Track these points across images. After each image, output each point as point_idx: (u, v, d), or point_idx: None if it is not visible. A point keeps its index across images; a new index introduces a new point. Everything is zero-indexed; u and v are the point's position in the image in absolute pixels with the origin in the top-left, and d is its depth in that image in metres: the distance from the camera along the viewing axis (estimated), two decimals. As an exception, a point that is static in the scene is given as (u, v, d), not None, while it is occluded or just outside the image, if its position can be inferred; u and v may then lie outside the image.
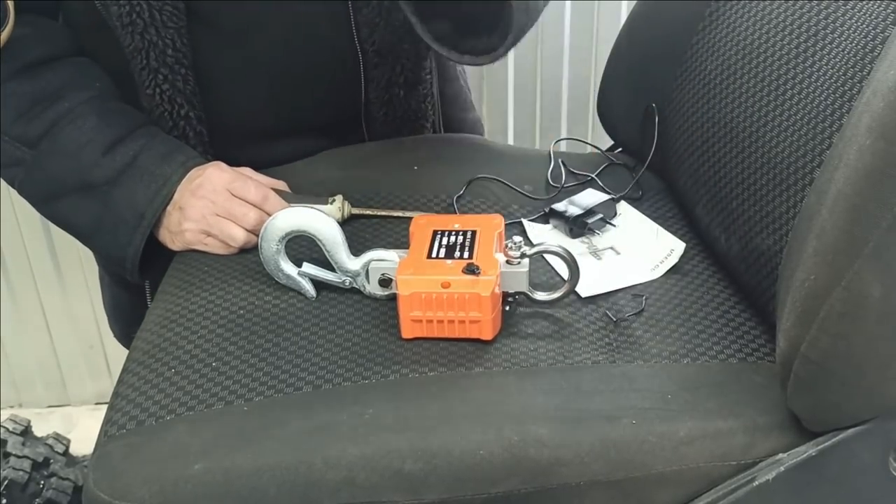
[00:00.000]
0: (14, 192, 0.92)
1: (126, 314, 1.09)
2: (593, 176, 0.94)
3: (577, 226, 0.85)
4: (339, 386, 0.67)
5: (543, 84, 1.43)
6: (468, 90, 1.16)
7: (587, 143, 1.07)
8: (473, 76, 1.27)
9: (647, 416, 0.64)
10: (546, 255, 0.79)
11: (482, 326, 0.70)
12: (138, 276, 0.89)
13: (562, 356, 0.70)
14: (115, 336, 1.16)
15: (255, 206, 0.86)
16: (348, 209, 0.89)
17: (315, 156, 0.99)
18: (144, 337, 0.75)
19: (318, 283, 0.78)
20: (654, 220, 0.88)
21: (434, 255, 0.73)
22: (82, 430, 1.56)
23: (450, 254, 0.73)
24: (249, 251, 0.85)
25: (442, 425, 0.63)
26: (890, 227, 0.54)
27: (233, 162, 0.91)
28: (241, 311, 0.76)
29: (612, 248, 0.84)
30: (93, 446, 0.66)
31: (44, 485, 1.13)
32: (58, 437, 1.22)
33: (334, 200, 0.88)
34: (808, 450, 0.63)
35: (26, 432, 1.17)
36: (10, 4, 0.82)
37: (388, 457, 0.61)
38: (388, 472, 0.61)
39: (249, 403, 0.66)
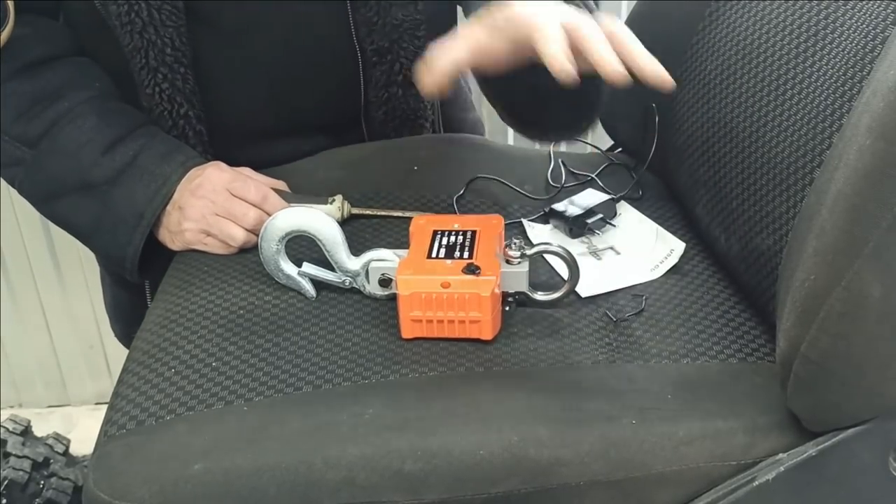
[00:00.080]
0: (14, 192, 0.92)
1: (126, 314, 1.09)
2: (593, 176, 0.94)
3: (577, 226, 0.85)
4: (339, 386, 0.67)
5: (543, 84, 1.43)
6: (468, 90, 1.16)
7: (587, 143, 1.07)
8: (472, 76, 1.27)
9: (647, 416, 0.64)
10: (546, 255, 0.79)
11: (482, 326, 0.70)
12: (138, 275, 0.89)
13: (562, 356, 0.70)
14: (117, 336, 1.16)
15: (254, 205, 0.86)
16: (348, 209, 0.89)
17: (315, 156, 0.99)
18: (144, 337, 0.75)
19: (318, 283, 0.78)
20: (654, 220, 0.88)
21: (434, 255, 0.73)
22: (82, 430, 1.57)
23: (450, 254, 0.73)
24: (249, 251, 0.85)
25: (442, 425, 0.63)
26: (890, 227, 0.54)
27: (232, 162, 0.91)
28: (241, 311, 0.76)
29: (612, 248, 0.84)
30: (93, 446, 0.66)
31: (44, 485, 1.13)
32: (58, 437, 1.22)
33: (334, 200, 0.88)
34: (808, 450, 0.63)
35: (26, 432, 1.17)
36: (10, 4, 0.82)
37: (388, 457, 0.61)
38: (388, 472, 0.61)
39: (249, 403, 0.66)
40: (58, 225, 0.92)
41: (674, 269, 0.80)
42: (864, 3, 0.67)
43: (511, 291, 0.74)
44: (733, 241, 0.78)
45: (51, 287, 1.56)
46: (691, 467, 0.63)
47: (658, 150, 0.92)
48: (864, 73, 0.64)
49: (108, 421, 0.67)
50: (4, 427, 1.15)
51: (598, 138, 1.08)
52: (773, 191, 0.71)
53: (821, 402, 0.62)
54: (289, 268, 0.78)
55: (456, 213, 0.89)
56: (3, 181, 0.92)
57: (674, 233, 0.86)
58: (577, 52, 0.62)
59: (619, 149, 1.05)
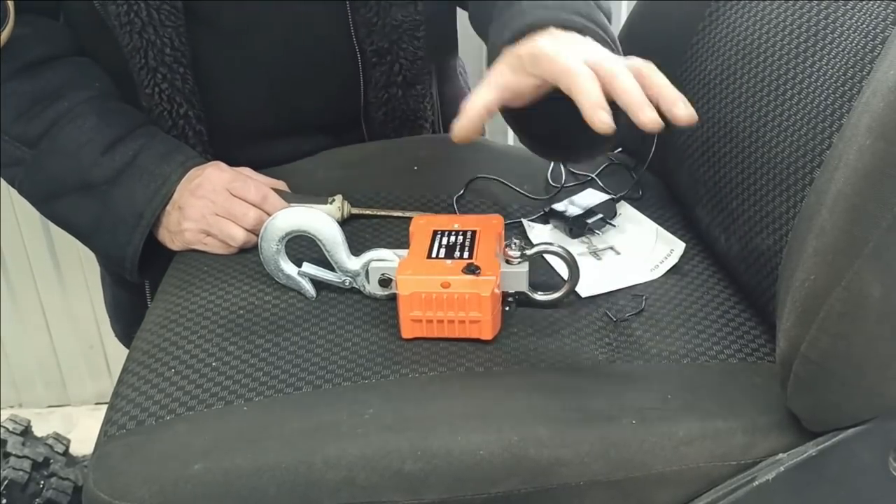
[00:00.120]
0: (14, 192, 0.92)
1: (126, 314, 1.09)
2: (593, 176, 0.94)
3: (577, 226, 0.85)
4: (339, 386, 0.67)
5: (543, 84, 1.43)
6: (468, 90, 1.16)
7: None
8: (473, 76, 1.27)
9: (647, 416, 0.64)
10: (546, 255, 0.79)
11: (482, 326, 0.70)
12: (138, 275, 0.89)
13: (562, 356, 0.70)
14: (117, 336, 1.16)
15: (254, 205, 0.86)
16: (348, 209, 0.89)
17: (315, 156, 0.99)
18: (144, 337, 0.75)
19: (318, 283, 0.78)
20: (654, 220, 0.88)
21: (434, 255, 0.73)
22: (82, 430, 1.56)
23: (450, 254, 0.73)
24: (249, 251, 0.85)
25: (442, 425, 0.63)
26: (890, 227, 0.54)
27: (232, 162, 0.91)
28: (241, 311, 0.76)
29: (612, 248, 0.84)
30: (93, 446, 0.66)
31: (44, 485, 1.13)
32: (58, 437, 1.22)
33: (334, 200, 0.88)
34: (808, 450, 0.63)
35: (26, 432, 1.17)
36: (10, 4, 0.82)
37: (388, 457, 0.61)
38: (388, 472, 0.61)
39: (249, 403, 0.66)
40: (58, 225, 0.92)
41: (674, 269, 0.80)
42: (864, 3, 0.67)
43: (511, 291, 0.74)
44: (733, 241, 0.78)
45: (51, 287, 1.56)
46: (691, 467, 0.63)
47: (658, 150, 0.92)
48: (864, 73, 0.64)
49: (108, 421, 0.67)
50: (4, 427, 1.15)
51: (598, 138, 1.08)
52: (773, 191, 0.71)
53: (821, 402, 0.62)
54: (289, 268, 0.78)
55: (456, 213, 0.89)
56: (3, 181, 0.92)
57: (674, 233, 0.86)
58: (607, 92, 0.63)
59: (619, 149, 1.05)
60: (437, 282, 0.70)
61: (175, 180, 0.86)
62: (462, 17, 1.03)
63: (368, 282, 0.76)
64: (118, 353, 1.38)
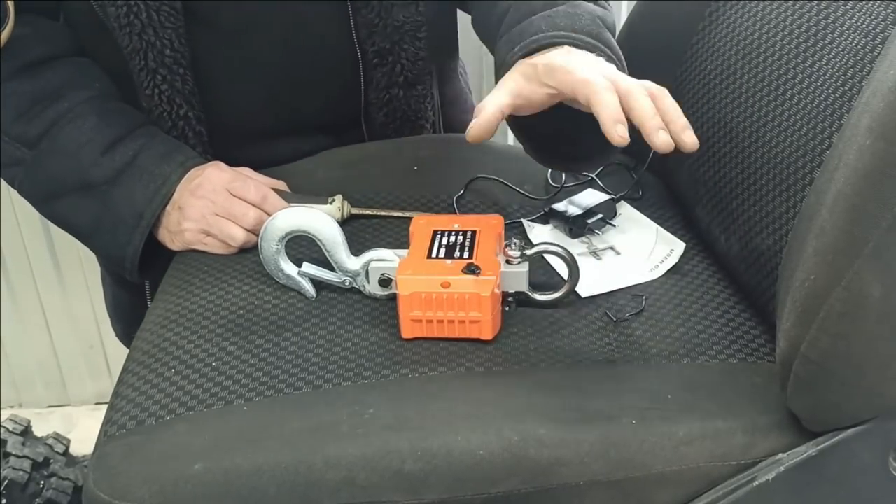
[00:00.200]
0: (14, 192, 0.92)
1: (127, 314, 1.09)
2: (593, 176, 0.94)
3: (577, 226, 0.85)
4: (339, 386, 0.67)
5: (543, 84, 1.43)
6: (468, 91, 1.16)
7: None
8: (473, 76, 1.27)
9: (647, 416, 0.64)
10: (546, 255, 0.79)
11: (482, 326, 0.70)
12: (138, 275, 0.89)
13: (562, 356, 0.70)
14: (117, 336, 1.16)
15: (254, 205, 0.86)
16: (348, 209, 0.89)
17: (315, 156, 0.99)
18: (144, 337, 0.75)
19: (318, 283, 0.78)
20: (654, 220, 0.88)
21: (434, 255, 0.73)
22: (82, 430, 1.56)
23: (450, 254, 0.73)
24: (249, 251, 0.85)
25: (442, 425, 0.63)
26: (890, 227, 0.54)
27: (232, 162, 0.91)
28: (241, 311, 0.76)
29: (612, 248, 0.84)
30: (93, 446, 0.66)
31: (44, 485, 1.13)
32: (58, 437, 1.22)
33: (334, 200, 0.88)
34: (808, 450, 0.63)
35: (26, 432, 1.17)
36: (10, 4, 0.82)
37: (388, 457, 0.61)
38: (388, 472, 0.61)
39: (249, 403, 0.66)
40: (58, 225, 0.92)
41: (674, 269, 0.80)
42: (864, 3, 0.67)
43: (511, 291, 0.74)
44: (733, 241, 0.78)
45: (51, 287, 1.56)
46: (691, 467, 0.63)
47: (658, 150, 0.92)
48: (864, 73, 0.64)
49: (108, 421, 0.67)
50: (4, 427, 1.15)
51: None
52: (773, 191, 0.71)
53: (821, 402, 0.62)
54: (289, 268, 0.78)
55: (456, 213, 0.89)
56: (3, 181, 0.92)
57: (674, 233, 0.86)
58: (622, 109, 0.65)
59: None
60: (437, 282, 0.70)
61: (175, 180, 0.86)
62: (461, 17, 1.03)
63: (368, 282, 0.76)
64: (118, 353, 1.39)
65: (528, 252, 0.73)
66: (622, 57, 0.75)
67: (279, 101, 0.96)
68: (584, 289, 0.77)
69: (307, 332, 0.73)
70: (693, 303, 0.76)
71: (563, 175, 0.95)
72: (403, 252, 0.75)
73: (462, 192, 0.92)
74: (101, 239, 0.89)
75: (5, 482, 1.08)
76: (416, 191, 0.93)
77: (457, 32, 1.07)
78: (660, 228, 0.86)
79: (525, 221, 0.88)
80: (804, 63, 0.71)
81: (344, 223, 0.88)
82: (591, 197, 0.88)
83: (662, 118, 0.65)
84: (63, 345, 1.62)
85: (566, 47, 0.71)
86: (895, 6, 0.64)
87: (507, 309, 0.74)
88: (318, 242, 0.76)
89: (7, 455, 1.11)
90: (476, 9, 0.91)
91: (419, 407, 0.65)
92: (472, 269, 0.70)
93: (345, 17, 0.92)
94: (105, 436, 0.66)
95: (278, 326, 0.74)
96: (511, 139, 1.47)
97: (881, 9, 0.65)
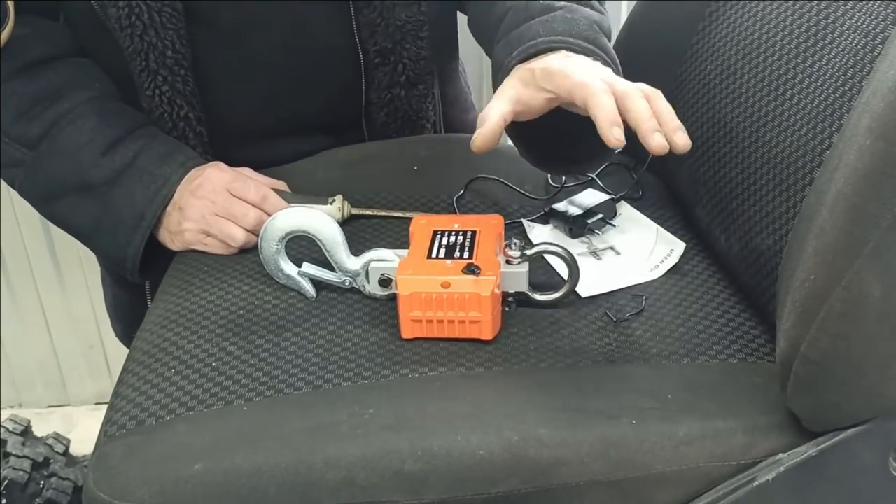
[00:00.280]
0: (14, 192, 0.92)
1: (127, 314, 1.09)
2: (593, 176, 0.94)
3: (577, 226, 0.85)
4: (339, 386, 0.67)
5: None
6: (469, 90, 1.16)
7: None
8: (473, 76, 1.27)
9: (647, 416, 0.64)
10: (546, 255, 0.79)
11: (482, 326, 0.70)
12: (138, 276, 0.89)
13: (562, 356, 0.70)
14: (118, 336, 1.16)
15: (254, 205, 0.86)
16: (348, 209, 0.89)
17: (315, 156, 0.99)
18: (144, 337, 0.75)
19: (318, 283, 0.78)
20: (654, 220, 0.88)
21: (434, 255, 0.73)
22: (82, 430, 1.56)
23: (450, 254, 0.73)
24: (249, 251, 0.85)
25: (442, 425, 0.63)
26: (890, 227, 0.54)
27: (233, 162, 0.91)
28: (241, 311, 0.76)
29: (612, 248, 0.84)
30: (93, 446, 0.66)
31: (44, 485, 1.13)
32: (58, 437, 1.22)
33: (334, 200, 0.88)
34: (808, 450, 0.63)
35: (26, 432, 1.17)
36: (11, 4, 0.82)
37: (388, 457, 0.61)
38: (388, 472, 0.61)
39: (249, 403, 0.66)
40: (58, 226, 0.92)
41: (674, 269, 0.80)
42: (864, 3, 0.67)
43: (511, 291, 0.74)
44: (733, 241, 0.78)
45: (51, 287, 1.56)
46: (691, 467, 0.63)
47: (658, 150, 0.92)
48: (864, 73, 0.64)
49: (108, 421, 0.67)
50: (4, 427, 1.15)
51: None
52: (773, 191, 0.71)
53: (821, 402, 0.62)
54: (289, 268, 0.78)
55: (456, 213, 0.89)
56: (3, 182, 0.92)
57: (674, 233, 0.86)
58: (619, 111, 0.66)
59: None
60: (437, 282, 0.70)
61: (175, 181, 0.86)
62: (461, 17, 1.03)
63: (368, 282, 0.76)
64: (118, 353, 1.38)
65: (528, 252, 0.73)
66: (618, 62, 0.76)
67: (279, 102, 0.96)
68: (584, 289, 0.77)
69: (307, 332, 0.73)
70: (693, 303, 0.76)
71: (563, 175, 0.95)
72: (403, 252, 0.75)
73: (462, 192, 0.92)
74: (102, 239, 0.89)
75: (5, 482, 1.08)
76: (416, 191, 0.93)
77: (457, 32, 1.08)
78: (660, 228, 0.86)
79: (525, 221, 0.88)
80: (804, 63, 0.71)
81: (344, 223, 0.88)
82: (591, 197, 0.88)
83: (657, 119, 0.65)
84: (63, 345, 1.62)
85: (563, 52, 0.72)
86: (895, 6, 0.64)
87: (507, 309, 0.74)
88: (318, 242, 0.76)
89: (7, 455, 1.11)
90: (473, 9, 0.91)
91: (419, 407, 0.65)
92: (472, 270, 0.70)
93: (346, 17, 0.92)
94: (105, 436, 0.66)
95: (278, 326, 0.74)
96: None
97: (881, 9, 0.65)
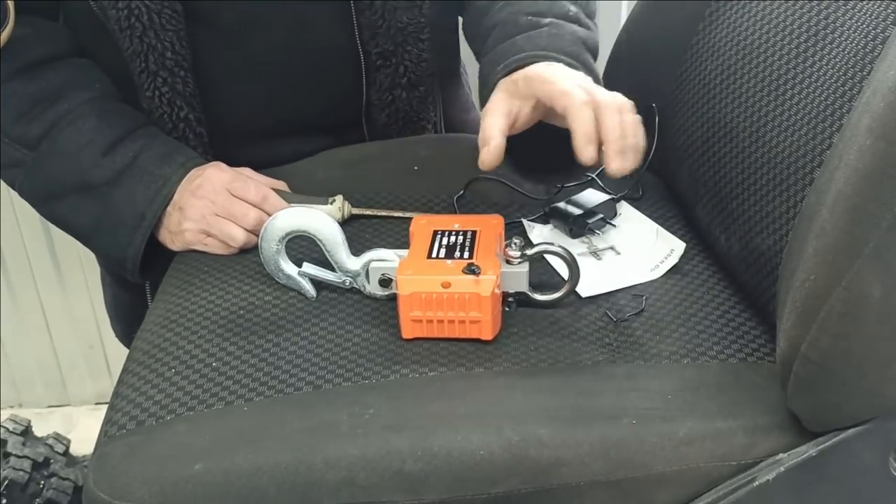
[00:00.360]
0: (14, 192, 0.92)
1: (127, 314, 1.09)
2: (593, 176, 0.94)
3: (578, 226, 0.85)
4: (339, 386, 0.67)
5: (543, 84, 1.43)
6: (469, 90, 1.16)
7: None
8: (473, 76, 1.27)
9: (647, 416, 0.64)
10: (546, 255, 0.79)
11: (482, 326, 0.70)
12: (139, 276, 0.89)
13: (562, 356, 0.70)
14: (117, 336, 1.16)
15: (254, 206, 0.86)
16: (348, 209, 0.89)
17: (315, 156, 0.99)
18: (144, 337, 0.75)
19: (318, 283, 0.78)
20: (654, 220, 0.88)
21: (434, 255, 0.73)
22: (82, 430, 1.57)
23: (450, 254, 0.73)
24: (249, 251, 0.85)
25: (442, 425, 0.63)
26: (890, 227, 0.54)
27: (233, 162, 0.91)
28: (241, 311, 0.76)
29: (612, 248, 0.84)
30: (93, 446, 0.66)
31: (44, 485, 1.13)
32: (58, 437, 1.22)
33: (334, 200, 0.88)
34: (809, 450, 0.63)
35: (26, 432, 1.17)
36: (11, 5, 0.82)
37: (388, 457, 0.61)
38: (388, 472, 0.61)
39: (249, 403, 0.66)
40: (58, 226, 0.92)
41: (674, 269, 0.80)
42: (864, 3, 0.67)
43: (511, 291, 0.74)
44: (733, 241, 0.78)
45: (51, 287, 1.56)
46: (691, 467, 0.63)
47: (658, 149, 0.92)
48: (864, 73, 0.64)
49: (108, 421, 0.67)
50: (4, 427, 1.15)
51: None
52: (773, 191, 0.71)
53: (821, 403, 0.62)
54: (289, 268, 0.78)
55: (456, 213, 0.89)
56: (3, 182, 0.92)
57: (674, 233, 0.86)
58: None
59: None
60: (438, 282, 0.70)
61: (175, 181, 0.86)
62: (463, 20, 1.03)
63: (368, 282, 0.76)
64: (118, 353, 1.39)
65: (529, 252, 0.73)
66: (601, 79, 0.78)
67: (280, 102, 0.96)
68: (585, 289, 0.77)
69: (307, 332, 0.73)
70: (693, 303, 0.76)
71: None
72: (403, 252, 0.75)
73: (462, 192, 0.92)
74: (102, 240, 0.89)
75: (5, 482, 1.08)
76: (417, 191, 0.93)
77: (458, 33, 1.08)
78: (660, 228, 0.86)
79: (525, 221, 0.88)
80: (804, 63, 0.71)
81: (344, 223, 0.88)
82: (591, 197, 0.88)
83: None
84: (63, 345, 1.62)
85: (546, 62, 0.73)
86: (895, 6, 0.64)
87: (507, 309, 0.74)
88: (319, 242, 0.76)
89: (7, 455, 1.11)
90: (466, 17, 0.91)
91: (419, 407, 0.65)
92: (472, 270, 0.70)
93: (347, 19, 0.92)
94: (105, 436, 0.66)
95: (278, 326, 0.74)
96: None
97: (881, 9, 0.65)
